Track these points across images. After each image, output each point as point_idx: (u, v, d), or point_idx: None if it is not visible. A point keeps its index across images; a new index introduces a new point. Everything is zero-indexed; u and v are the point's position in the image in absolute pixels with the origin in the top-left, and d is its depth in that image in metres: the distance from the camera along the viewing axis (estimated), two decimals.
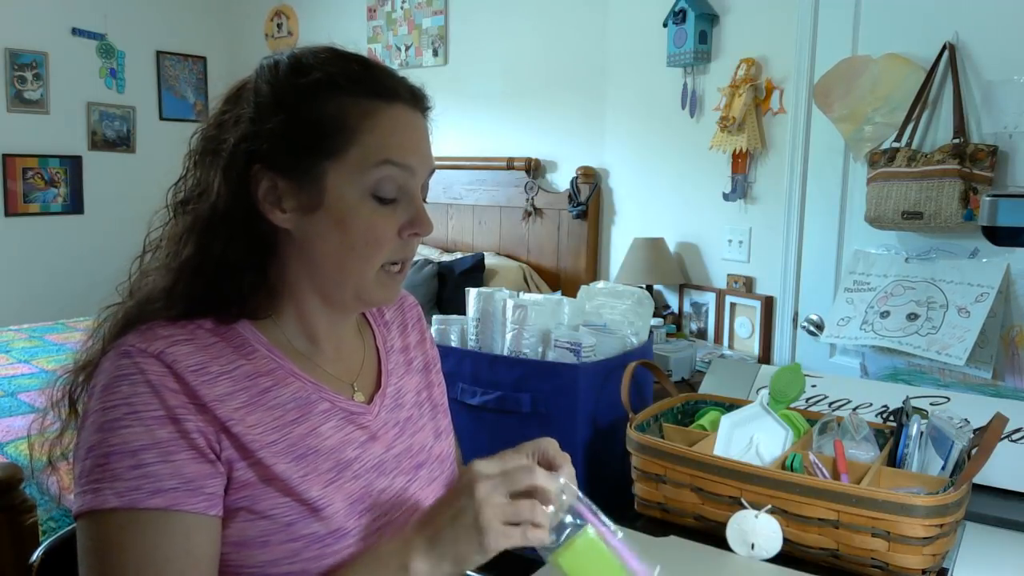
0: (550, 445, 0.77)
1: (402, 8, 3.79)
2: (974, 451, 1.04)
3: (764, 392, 1.27)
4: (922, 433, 1.17)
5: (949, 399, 1.38)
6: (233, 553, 0.73)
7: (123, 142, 4.34)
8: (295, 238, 0.79)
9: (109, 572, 0.68)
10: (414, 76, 0.85)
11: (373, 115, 0.78)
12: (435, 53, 3.65)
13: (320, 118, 0.76)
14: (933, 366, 1.95)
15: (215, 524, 0.72)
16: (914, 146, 2.06)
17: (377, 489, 0.82)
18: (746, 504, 1.05)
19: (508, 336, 1.52)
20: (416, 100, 0.83)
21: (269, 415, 0.77)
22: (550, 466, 0.74)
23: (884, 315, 2.03)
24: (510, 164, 3.28)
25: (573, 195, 3.05)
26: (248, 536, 0.73)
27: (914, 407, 1.23)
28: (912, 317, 1.97)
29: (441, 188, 3.48)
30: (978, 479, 1.09)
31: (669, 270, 2.76)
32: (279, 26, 4.43)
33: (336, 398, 0.84)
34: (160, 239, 0.82)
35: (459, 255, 3.27)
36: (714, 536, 1.07)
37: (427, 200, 0.86)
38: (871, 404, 1.42)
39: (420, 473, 0.89)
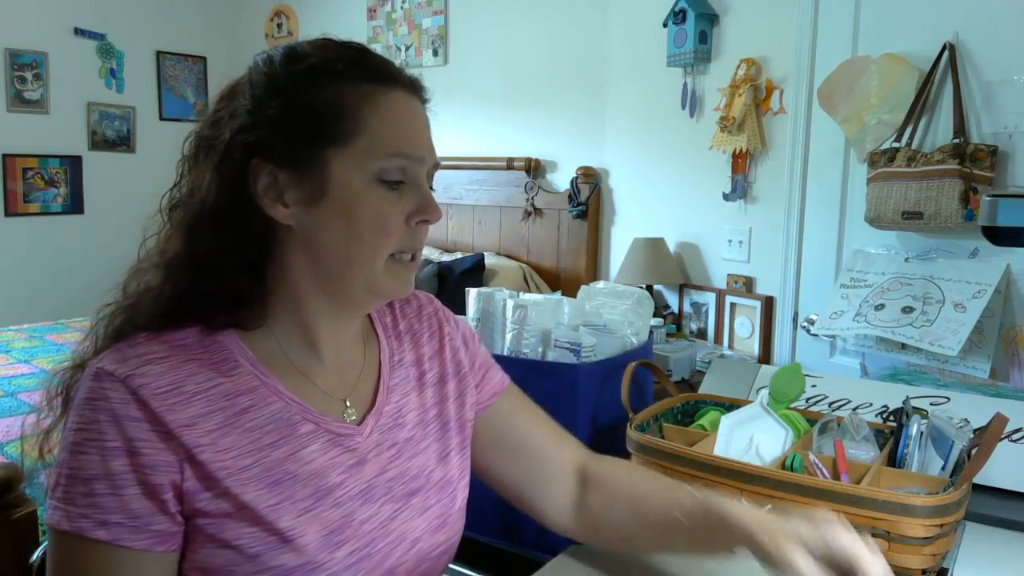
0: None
1: (402, 8, 3.79)
2: (974, 451, 1.04)
3: (764, 392, 1.27)
4: (922, 433, 1.16)
5: (949, 399, 1.38)
6: None
7: (123, 142, 4.34)
8: (298, 234, 0.76)
9: None
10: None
11: (373, 100, 0.76)
12: (435, 53, 3.65)
13: (319, 103, 0.74)
14: (933, 366, 1.95)
15: (164, 559, 0.71)
16: (914, 146, 2.06)
17: (359, 519, 0.78)
18: (746, 504, 1.05)
19: (508, 336, 1.52)
20: (414, 88, 0.81)
21: (245, 437, 0.74)
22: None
23: (879, 308, 2.03)
24: (510, 164, 3.28)
25: (573, 195, 3.04)
26: (213, 564, 0.71)
27: (914, 407, 1.23)
28: (907, 310, 1.97)
29: (441, 188, 3.47)
30: (978, 479, 1.09)
31: (669, 270, 2.76)
32: (279, 26, 4.43)
33: (321, 419, 0.79)
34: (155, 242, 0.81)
35: (459, 255, 3.27)
36: None
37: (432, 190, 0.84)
38: (871, 404, 1.41)
39: (412, 501, 0.84)
